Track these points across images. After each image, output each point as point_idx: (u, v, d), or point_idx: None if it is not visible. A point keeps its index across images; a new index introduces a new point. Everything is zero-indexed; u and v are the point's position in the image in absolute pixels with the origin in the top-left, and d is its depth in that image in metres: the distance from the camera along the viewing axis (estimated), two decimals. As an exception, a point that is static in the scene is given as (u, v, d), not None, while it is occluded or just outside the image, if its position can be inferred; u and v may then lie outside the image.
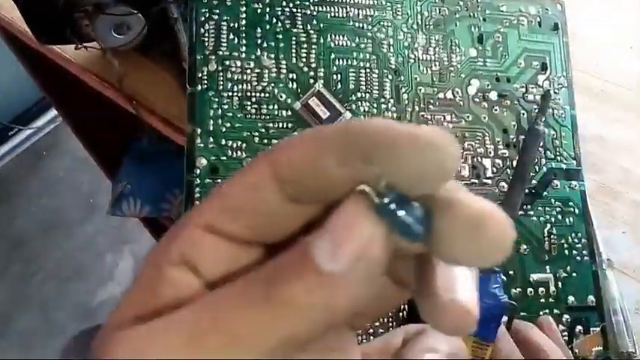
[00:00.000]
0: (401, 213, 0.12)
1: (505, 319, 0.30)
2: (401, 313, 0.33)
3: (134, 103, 0.54)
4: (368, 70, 0.36)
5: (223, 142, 0.33)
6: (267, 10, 0.35)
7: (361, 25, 0.37)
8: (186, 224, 0.14)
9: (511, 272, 0.35)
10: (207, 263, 0.13)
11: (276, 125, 0.34)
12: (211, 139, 0.33)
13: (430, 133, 0.12)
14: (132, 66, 0.55)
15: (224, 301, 0.12)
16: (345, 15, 0.36)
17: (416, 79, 0.37)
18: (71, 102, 0.75)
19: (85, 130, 0.81)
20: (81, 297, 1.26)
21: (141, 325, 0.13)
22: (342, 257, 0.11)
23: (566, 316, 0.35)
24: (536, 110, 0.37)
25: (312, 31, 0.35)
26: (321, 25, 0.36)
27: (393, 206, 0.12)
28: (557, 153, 0.38)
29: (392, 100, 0.36)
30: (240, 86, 0.34)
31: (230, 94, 0.33)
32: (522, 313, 0.34)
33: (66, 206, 1.37)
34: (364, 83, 0.36)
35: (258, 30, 0.35)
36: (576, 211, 0.37)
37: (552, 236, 0.36)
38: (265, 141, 0.33)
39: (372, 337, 0.33)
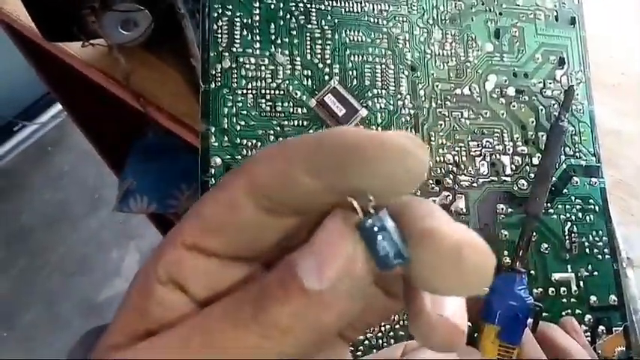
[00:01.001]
0: (379, 239, 0.12)
1: (530, 320, 0.29)
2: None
3: (141, 100, 0.53)
4: (384, 66, 0.35)
5: (238, 140, 0.32)
6: (281, 5, 0.34)
7: (376, 20, 0.35)
8: (171, 243, 0.14)
9: (532, 272, 0.33)
10: (194, 281, 0.13)
11: (292, 123, 0.33)
12: (226, 138, 0.31)
13: (397, 138, 0.12)
14: (138, 63, 0.53)
15: (213, 323, 0.12)
16: (359, 10, 0.35)
17: (432, 74, 0.35)
18: (77, 98, 0.73)
19: (91, 127, 0.80)
20: (86, 292, 1.25)
21: (133, 347, 0.13)
22: (326, 276, 0.11)
23: (588, 316, 0.34)
24: (556, 106, 0.36)
25: (326, 27, 0.34)
26: (336, 21, 0.34)
27: (374, 229, 0.12)
28: (577, 149, 0.36)
29: (408, 97, 0.35)
30: (254, 83, 0.32)
31: (244, 91, 0.32)
32: (545, 314, 0.33)
33: (71, 201, 1.36)
34: (380, 79, 0.35)
35: (272, 26, 0.33)
36: (596, 208, 0.36)
37: (573, 234, 0.35)
38: (280, 139, 0.32)
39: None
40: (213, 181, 0.31)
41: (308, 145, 0.13)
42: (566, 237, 0.35)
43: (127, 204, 0.82)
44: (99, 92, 0.58)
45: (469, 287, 0.12)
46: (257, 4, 0.33)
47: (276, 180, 0.13)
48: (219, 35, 0.32)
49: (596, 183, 0.36)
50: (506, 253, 0.34)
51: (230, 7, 0.33)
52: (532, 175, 0.35)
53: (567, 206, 0.35)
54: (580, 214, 0.35)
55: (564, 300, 0.34)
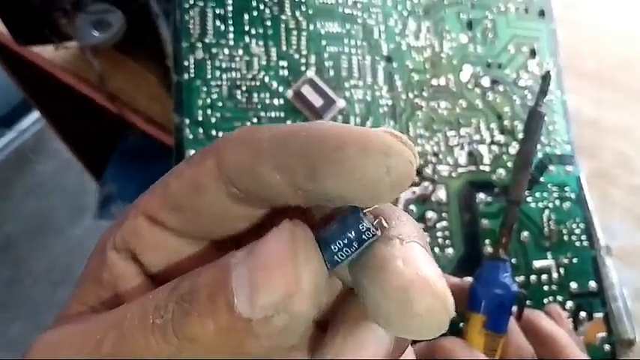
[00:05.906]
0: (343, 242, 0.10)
1: (514, 308, 0.27)
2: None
3: (116, 102, 0.50)
4: (360, 57, 0.33)
5: (214, 132, 0.29)
6: (254, -5, 0.31)
7: (351, 11, 0.33)
8: (133, 210, 0.12)
9: (514, 260, 0.32)
10: (148, 253, 0.12)
11: (268, 114, 0.30)
12: (201, 130, 0.29)
13: (383, 136, 0.10)
14: (112, 65, 0.51)
15: (131, 323, 0.11)
16: (334, 1, 0.33)
17: (408, 65, 0.34)
18: (53, 103, 0.70)
19: (69, 132, 0.77)
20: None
21: (56, 332, 0.12)
22: (259, 304, 0.09)
23: (569, 303, 0.32)
24: (530, 96, 0.35)
25: (301, 17, 0.32)
26: (310, 11, 0.32)
27: (332, 236, 0.10)
28: (551, 138, 0.35)
29: (385, 87, 0.33)
30: (229, 74, 0.30)
31: (219, 82, 0.30)
32: (527, 302, 0.31)
33: (53, 208, 1.31)
34: (357, 70, 0.32)
35: (246, 16, 0.31)
36: (572, 196, 0.34)
37: (551, 222, 0.33)
38: (257, 132, 0.30)
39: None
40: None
41: (280, 139, 0.10)
42: (545, 225, 0.33)
43: (107, 211, 0.79)
44: (75, 96, 0.55)
45: (416, 332, 0.10)
46: (230, -5, 0.31)
47: (242, 170, 0.11)
48: (192, 26, 0.30)
49: (571, 171, 0.34)
50: (487, 242, 0.32)
51: (202, -4, 0.30)
52: (510, 165, 0.33)
53: (545, 194, 0.33)
54: (557, 202, 0.33)
55: (545, 287, 0.32)
